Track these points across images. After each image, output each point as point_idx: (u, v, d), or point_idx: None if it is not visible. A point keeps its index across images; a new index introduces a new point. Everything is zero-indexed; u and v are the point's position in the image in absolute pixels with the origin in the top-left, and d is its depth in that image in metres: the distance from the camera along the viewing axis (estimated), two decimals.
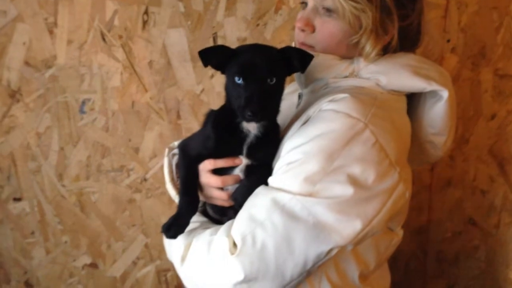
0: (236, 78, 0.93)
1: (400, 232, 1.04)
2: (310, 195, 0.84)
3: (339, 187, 0.83)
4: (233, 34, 1.57)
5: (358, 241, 0.87)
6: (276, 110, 1.01)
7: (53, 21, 1.48)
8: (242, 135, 1.00)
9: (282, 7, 1.58)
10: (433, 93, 0.99)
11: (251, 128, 0.99)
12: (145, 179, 1.66)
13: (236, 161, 1.00)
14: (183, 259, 0.96)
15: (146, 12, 1.52)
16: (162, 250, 1.72)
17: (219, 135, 1.01)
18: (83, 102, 1.56)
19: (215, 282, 0.89)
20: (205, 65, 0.97)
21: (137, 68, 1.56)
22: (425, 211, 1.91)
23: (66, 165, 1.60)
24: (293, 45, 1.09)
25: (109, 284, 1.74)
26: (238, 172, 1.01)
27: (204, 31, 1.54)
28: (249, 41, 1.58)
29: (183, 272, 0.97)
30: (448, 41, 1.70)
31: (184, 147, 1.09)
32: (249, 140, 1.00)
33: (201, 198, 1.05)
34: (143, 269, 1.74)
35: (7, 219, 1.61)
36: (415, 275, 1.99)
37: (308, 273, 0.87)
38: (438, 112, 1.00)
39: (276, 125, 1.03)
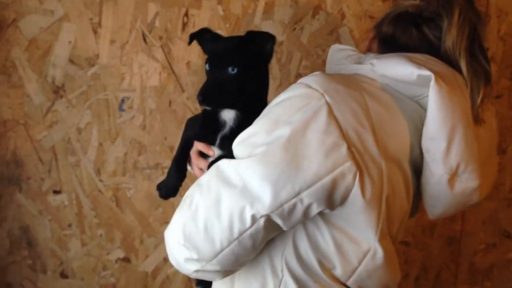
0: (206, 66, 1.01)
1: (376, 246, 0.88)
2: (248, 158, 0.84)
3: (278, 151, 0.81)
4: None
5: (285, 214, 0.83)
6: (236, 100, 1.02)
7: (98, 21, 1.54)
8: (219, 125, 1.05)
9: (319, 12, 1.59)
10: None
11: (227, 118, 1.04)
12: None
13: (210, 151, 1.07)
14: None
15: (186, 14, 1.56)
16: None
17: (204, 120, 1.10)
18: (123, 100, 1.61)
19: (169, 241, 0.92)
20: (189, 44, 1.09)
21: (175, 69, 1.60)
22: (458, 222, 1.88)
23: (104, 161, 1.65)
24: None
25: (141, 278, 1.77)
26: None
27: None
28: (286, 45, 1.60)
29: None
30: (487, 49, 1.68)
31: (188, 122, 1.20)
32: (224, 131, 1.04)
33: (189, 169, 1.16)
34: None
35: (46, 210, 1.67)
36: (446, 286, 1.96)
37: (240, 244, 0.85)
38: (430, 106, 0.86)
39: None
